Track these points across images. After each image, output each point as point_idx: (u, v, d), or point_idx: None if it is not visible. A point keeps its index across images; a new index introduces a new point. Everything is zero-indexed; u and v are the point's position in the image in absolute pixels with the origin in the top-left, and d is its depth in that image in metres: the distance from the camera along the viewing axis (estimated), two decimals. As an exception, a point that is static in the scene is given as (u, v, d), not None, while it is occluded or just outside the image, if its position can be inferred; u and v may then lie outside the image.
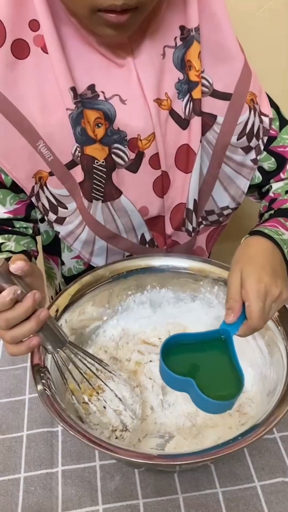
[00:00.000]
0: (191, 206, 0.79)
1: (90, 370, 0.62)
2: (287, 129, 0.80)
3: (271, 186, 0.83)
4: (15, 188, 0.73)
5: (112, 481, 0.62)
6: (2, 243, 0.72)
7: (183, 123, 0.73)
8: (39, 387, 0.56)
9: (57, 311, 0.67)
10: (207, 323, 0.76)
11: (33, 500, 0.61)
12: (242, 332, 0.60)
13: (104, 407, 0.62)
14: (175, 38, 0.69)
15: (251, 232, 0.71)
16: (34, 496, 0.61)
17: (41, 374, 0.58)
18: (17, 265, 0.49)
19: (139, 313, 0.78)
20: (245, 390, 0.68)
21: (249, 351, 0.70)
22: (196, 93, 0.71)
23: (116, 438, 0.61)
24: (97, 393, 0.62)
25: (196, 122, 0.73)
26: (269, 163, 0.81)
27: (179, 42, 0.70)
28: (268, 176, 0.82)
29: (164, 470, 0.62)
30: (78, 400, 0.61)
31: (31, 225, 0.79)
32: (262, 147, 0.79)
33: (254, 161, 0.79)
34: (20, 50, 0.63)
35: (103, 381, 0.62)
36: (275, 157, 0.80)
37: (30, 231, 0.78)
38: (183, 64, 0.71)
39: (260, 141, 0.78)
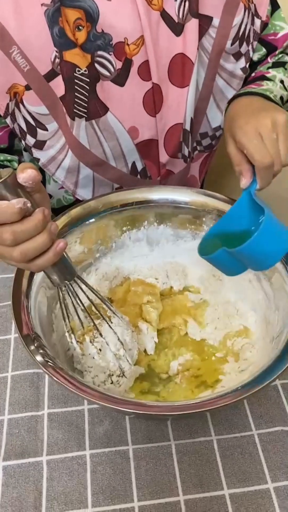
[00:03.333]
0: (188, 127, 0.71)
1: (96, 308, 0.57)
2: (279, 14, 0.73)
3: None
4: None
5: (101, 426, 0.59)
6: None
7: (177, 28, 0.64)
8: (39, 358, 0.50)
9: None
10: (209, 264, 0.70)
11: (16, 443, 0.58)
12: (259, 182, 0.58)
13: (100, 349, 0.58)
14: None
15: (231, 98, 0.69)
16: (18, 439, 0.58)
17: (36, 344, 0.51)
18: (27, 173, 0.41)
19: (135, 251, 0.73)
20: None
21: (251, 293, 0.65)
22: None
23: (112, 383, 0.57)
24: (100, 334, 0.57)
25: (192, 26, 0.64)
26: (260, 54, 0.75)
27: None
28: (256, 65, 0.76)
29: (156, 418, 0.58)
30: (76, 339, 0.57)
31: (16, 157, 0.71)
32: (251, 54, 0.72)
33: (244, 69, 0.72)
34: None
35: (108, 323, 0.58)
36: (266, 46, 0.74)
37: (16, 165, 0.71)
38: None
39: (250, 46, 0.71)
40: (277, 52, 0.74)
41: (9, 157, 0.70)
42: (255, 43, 0.71)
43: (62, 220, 0.64)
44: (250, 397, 0.46)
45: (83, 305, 0.55)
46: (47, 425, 0.59)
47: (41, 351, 0.50)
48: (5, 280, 0.77)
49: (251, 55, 0.72)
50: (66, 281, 0.51)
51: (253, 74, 0.75)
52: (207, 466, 0.55)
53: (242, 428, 0.58)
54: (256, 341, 0.63)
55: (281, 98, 0.68)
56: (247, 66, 0.72)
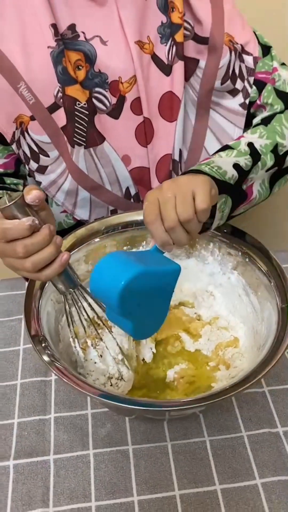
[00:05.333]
0: (176, 157, 0.78)
1: (97, 315, 0.62)
2: (270, 54, 0.76)
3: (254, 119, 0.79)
4: (3, 140, 0.71)
5: (103, 428, 0.64)
6: None
7: (166, 69, 0.72)
8: (46, 358, 0.55)
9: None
10: (201, 280, 0.76)
11: (26, 444, 0.63)
12: (152, 238, 0.59)
13: (101, 355, 0.63)
14: None
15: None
16: (27, 440, 0.63)
17: (43, 345, 0.57)
18: (33, 194, 0.48)
19: (134, 269, 0.79)
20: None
21: (242, 307, 0.71)
22: (179, 36, 0.70)
23: (111, 385, 0.62)
24: (100, 339, 0.63)
25: (179, 67, 0.71)
26: (252, 92, 0.77)
27: None
28: (250, 106, 0.78)
29: (154, 418, 0.63)
30: (79, 344, 0.62)
31: (21, 181, 0.78)
32: (249, 90, 0.76)
33: (243, 105, 0.77)
34: None
35: (108, 328, 0.63)
36: (256, 84, 0.76)
37: (21, 188, 0.78)
38: (166, 6, 0.69)
39: (246, 82, 0.75)
40: (262, 93, 0.75)
41: (15, 180, 0.77)
42: (252, 78, 0.75)
43: (68, 240, 0.70)
44: (237, 394, 0.51)
45: (86, 312, 0.61)
46: (54, 428, 0.64)
47: (48, 351, 0.55)
48: (14, 296, 0.83)
49: (249, 91, 0.75)
50: (71, 289, 0.56)
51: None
52: (201, 464, 0.60)
53: (232, 430, 0.63)
54: (245, 351, 0.68)
55: (236, 164, 0.66)
56: (246, 101, 0.76)
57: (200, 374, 0.68)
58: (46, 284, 0.64)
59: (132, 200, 0.82)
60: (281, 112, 0.74)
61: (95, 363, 0.62)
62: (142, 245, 0.77)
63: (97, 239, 0.73)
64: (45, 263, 0.51)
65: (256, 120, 0.77)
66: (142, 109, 0.72)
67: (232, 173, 0.65)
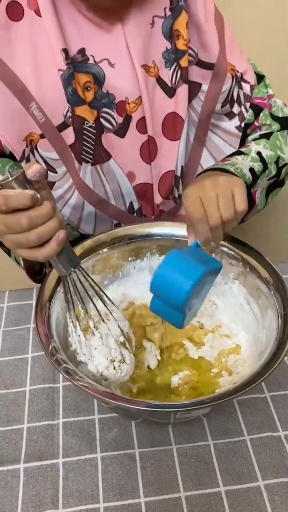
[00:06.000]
0: (179, 173, 0.82)
1: (98, 295, 0.62)
2: (263, 82, 0.83)
3: (247, 139, 0.85)
4: (13, 156, 0.74)
5: (110, 433, 0.66)
6: None
7: (170, 92, 0.76)
8: (57, 363, 0.57)
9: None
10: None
11: (35, 448, 0.65)
12: (196, 235, 0.63)
13: (102, 337, 0.62)
14: (165, 8, 0.72)
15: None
16: (37, 444, 0.65)
17: (54, 350, 0.58)
18: (34, 168, 0.48)
19: (139, 279, 0.81)
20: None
21: (243, 315, 0.73)
22: (183, 62, 0.74)
23: (114, 368, 0.62)
24: (103, 321, 0.62)
25: (183, 90, 0.75)
26: (248, 115, 0.83)
27: (168, 13, 0.72)
28: (246, 127, 0.84)
29: (159, 421, 0.66)
30: (80, 328, 0.62)
31: None
32: (245, 114, 0.81)
33: (239, 128, 0.82)
34: (14, 12, 0.65)
35: (109, 311, 0.63)
36: (253, 108, 0.83)
37: None
38: (171, 34, 0.73)
39: (243, 107, 0.81)
40: (260, 116, 0.82)
41: None
42: (248, 104, 0.81)
43: (76, 251, 0.73)
44: (240, 399, 0.53)
45: (87, 292, 0.60)
46: (62, 432, 0.66)
47: (58, 355, 0.58)
48: (22, 306, 0.86)
49: (245, 115, 0.81)
50: (72, 269, 0.56)
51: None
52: (205, 467, 0.62)
53: (235, 434, 0.65)
54: (247, 357, 0.70)
55: (251, 169, 0.72)
56: (242, 124, 0.82)
57: (204, 380, 0.70)
58: (56, 292, 0.66)
59: (135, 214, 0.85)
60: (278, 131, 0.81)
61: (95, 348, 0.61)
62: (147, 256, 0.80)
63: (104, 250, 0.76)
64: (50, 235, 0.51)
65: (254, 136, 0.82)
66: (147, 128, 0.76)
67: (248, 176, 0.70)
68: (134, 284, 0.81)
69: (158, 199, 0.84)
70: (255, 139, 0.81)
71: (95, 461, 0.63)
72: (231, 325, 0.76)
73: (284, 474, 0.61)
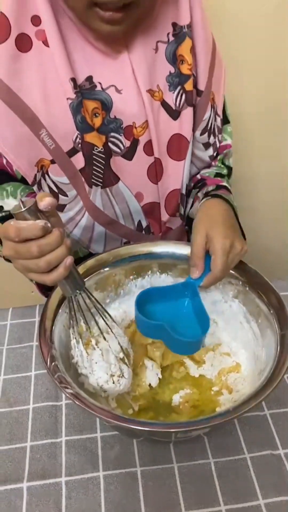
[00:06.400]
0: (184, 191, 0.85)
1: (101, 315, 0.65)
2: (225, 129, 0.88)
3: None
4: (25, 180, 0.76)
5: (112, 451, 0.67)
6: None
7: (174, 114, 0.78)
8: (67, 390, 0.57)
9: (63, 292, 0.70)
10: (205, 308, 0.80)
11: (38, 466, 0.65)
12: (206, 283, 0.69)
13: (102, 354, 0.65)
14: (168, 34, 0.74)
15: (205, 195, 0.81)
16: (40, 463, 0.66)
17: (62, 384, 0.59)
18: (46, 201, 0.51)
19: (140, 298, 0.83)
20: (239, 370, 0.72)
21: (243, 334, 0.74)
22: (188, 85, 0.76)
23: (113, 382, 0.64)
24: (104, 338, 0.65)
25: (188, 113, 0.78)
26: None
27: (171, 38, 0.74)
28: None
29: (160, 440, 0.66)
30: (83, 343, 0.64)
31: None
32: (218, 145, 0.86)
33: (211, 157, 0.86)
34: (23, 43, 0.67)
35: (110, 329, 0.66)
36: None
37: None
38: (174, 59, 0.75)
39: (216, 138, 0.85)
40: (218, 158, 0.89)
41: None
42: (220, 135, 0.86)
43: (79, 270, 0.74)
44: (240, 417, 0.54)
45: (91, 313, 0.64)
46: (65, 451, 0.67)
47: (59, 373, 0.59)
48: (25, 324, 0.87)
49: (217, 146, 0.87)
50: (77, 291, 0.59)
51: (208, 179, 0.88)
52: (206, 485, 0.63)
53: (236, 452, 0.66)
54: (247, 375, 0.71)
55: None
56: (215, 154, 0.87)
57: (204, 398, 0.71)
58: (58, 312, 0.68)
59: (143, 232, 0.88)
60: (227, 175, 0.90)
61: (96, 362, 0.64)
62: (148, 274, 0.81)
63: (106, 268, 0.77)
64: (58, 262, 0.54)
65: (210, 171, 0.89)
66: (153, 151, 0.79)
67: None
68: (136, 302, 0.83)
69: (165, 216, 0.87)
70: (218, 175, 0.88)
71: (98, 479, 0.64)
72: (231, 343, 0.77)
73: (284, 492, 0.62)
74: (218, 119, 0.85)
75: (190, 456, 0.66)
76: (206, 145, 0.85)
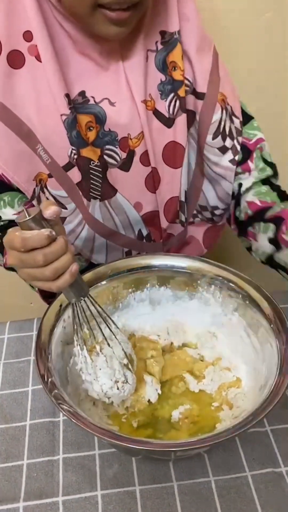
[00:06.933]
0: (183, 198, 0.84)
1: (104, 321, 0.65)
2: (251, 124, 0.84)
3: (240, 183, 0.85)
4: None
5: (111, 469, 0.65)
6: None
7: (168, 122, 0.78)
8: (64, 407, 0.56)
9: (60, 306, 0.70)
10: (204, 321, 0.79)
11: (35, 485, 0.64)
12: None
13: (106, 360, 0.65)
14: (156, 42, 0.74)
15: None
16: (36, 482, 0.64)
17: (59, 401, 0.58)
18: (51, 210, 0.52)
19: (139, 310, 0.81)
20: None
21: (243, 348, 0.73)
22: (181, 92, 0.76)
23: (118, 389, 0.64)
24: (108, 344, 0.65)
25: (182, 119, 0.77)
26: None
27: (159, 46, 0.74)
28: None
29: (160, 458, 0.65)
30: (87, 349, 0.64)
31: None
32: (238, 148, 0.82)
33: (233, 161, 0.82)
34: (15, 60, 0.67)
35: (114, 335, 0.65)
36: (242, 149, 0.83)
37: None
38: (165, 66, 0.75)
39: (235, 141, 0.81)
40: (254, 156, 0.83)
41: None
42: (240, 138, 0.82)
43: (77, 284, 0.74)
44: (240, 435, 0.53)
45: (95, 319, 0.64)
46: (62, 469, 0.66)
47: (56, 391, 0.58)
48: (22, 338, 0.86)
49: (238, 149, 0.81)
50: (82, 297, 0.60)
51: (274, 206, 0.82)
52: (206, 505, 0.61)
53: (237, 470, 0.65)
54: (247, 391, 0.70)
55: None
56: (236, 158, 0.81)
57: (204, 414, 0.70)
58: (55, 326, 0.67)
59: (144, 240, 0.87)
60: (272, 176, 0.84)
61: (100, 369, 0.64)
62: (147, 287, 0.80)
63: (104, 281, 0.76)
64: (63, 270, 0.55)
65: (247, 185, 0.85)
66: (150, 161, 0.78)
67: None
68: (135, 315, 0.81)
69: (164, 223, 0.86)
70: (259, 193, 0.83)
71: (95, 499, 0.62)
72: (231, 357, 0.76)
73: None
74: (236, 121, 0.81)
75: (190, 474, 0.64)
76: (223, 149, 0.81)
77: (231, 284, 0.74)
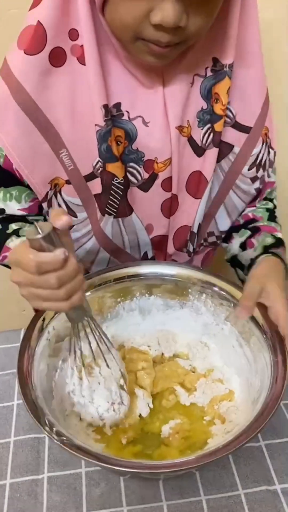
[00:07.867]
0: (195, 230, 0.81)
1: (105, 343, 0.63)
2: (274, 167, 0.84)
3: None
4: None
5: (97, 488, 0.63)
6: (19, 228, 0.74)
7: (199, 151, 0.75)
8: (47, 429, 0.54)
9: (43, 319, 0.67)
10: (195, 330, 0.77)
11: (18, 507, 0.61)
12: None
13: (102, 381, 0.63)
14: (206, 68, 0.70)
15: (265, 248, 0.78)
16: (20, 503, 0.62)
17: (45, 418, 0.55)
18: (64, 221, 0.49)
19: (129, 320, 0.79)
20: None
21: (236, 358, 0.71)
22: (218, 126, 0.73)
23: (114, 410, 0.62)
24: (107, 365, 0.63)
25: (212, 153, 0.74)
26: None
27: (209, 73, 0.71)
28: None
29: (148, 478, 0.62)
30: (85, 371, 0.63)
31: (42, 217, 0.80)
32: (266, 178, 0.82)
33: (257, 189, 0.82)
34: (57, 58, 0.63)
35: (113, 356, 0.64)
36: None
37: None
38: (209, 95, 0.72)
39: (266, 172, 0.81)
40: (265, 193, 0.85)
41: (36, 217, 0.78)
42: (270, 169, 0.82)
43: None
44: (231, 454, 0.50)
45: (95, 339, 0.62)
46: (47, 489, 0.63)
47: (47, 416, 0.55)
48: (8, 349, 0.83)
49: (265, 179, 0.82)
50: (85, 318, 0.58)
51: (261, 221, 0.85)
52: (197, 526, 0.59)
53: (229, 488, 0.62)
54: (240, 403, 0.68)
55: None
56: (260, 187, 0.82)
57: (195, 429, 0.67)
58: (39, 340, 0.64)
59: None
60: (273, 209, 0.88)
61: (94, 390, 0.62)
62: (136, 296, 0.77)
63: (89, 293, 0.73)
64: (77, 290, 0.53)
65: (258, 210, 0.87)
66: (172, 187, 0.75)
67: None
68: (124, 326, 0.79)
69: (171, 249, 0.84)
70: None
71: (81, 521, 0.59)
72: (223, 369, 0.73)
73: (281, 532, 0.58)
74: (272, 152, 0.81)
75: (180, 493, 0.62)
76: (254, 179, 0.80)
77: (223, 292, 0.72)
